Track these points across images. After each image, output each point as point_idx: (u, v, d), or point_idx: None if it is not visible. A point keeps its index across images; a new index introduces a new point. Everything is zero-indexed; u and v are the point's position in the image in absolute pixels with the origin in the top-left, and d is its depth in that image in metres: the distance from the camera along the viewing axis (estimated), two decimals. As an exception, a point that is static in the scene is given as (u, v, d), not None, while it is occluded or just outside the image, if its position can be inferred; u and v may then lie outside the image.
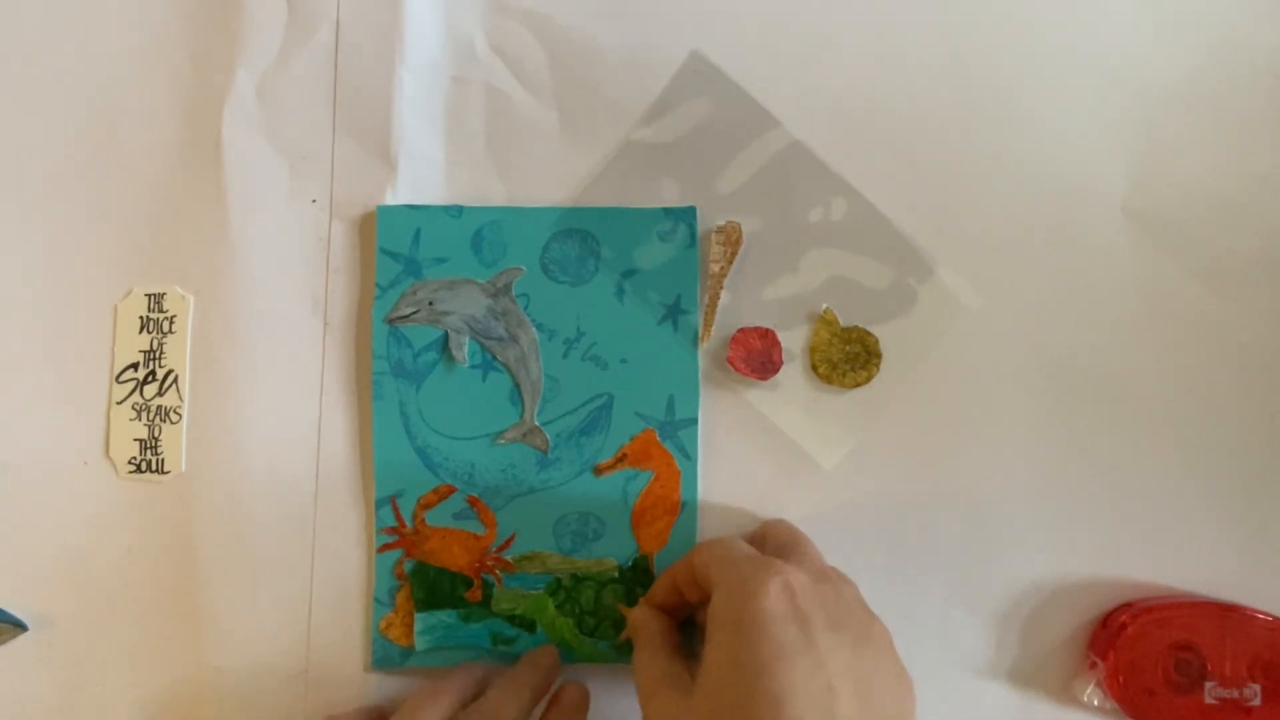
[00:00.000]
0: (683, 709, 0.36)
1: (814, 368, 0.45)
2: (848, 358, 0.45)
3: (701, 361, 0.45)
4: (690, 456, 0.45)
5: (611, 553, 0.45)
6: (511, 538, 0.45)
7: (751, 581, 0.36)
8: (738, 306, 0.46)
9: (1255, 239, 0.45)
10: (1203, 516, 0.45)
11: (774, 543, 0.42)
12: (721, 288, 0.45)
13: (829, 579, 0.38)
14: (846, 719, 0.33)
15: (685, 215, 0.45)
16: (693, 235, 0.45)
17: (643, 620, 0.42)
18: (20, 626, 0.45)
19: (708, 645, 0.36)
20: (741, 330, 0.45)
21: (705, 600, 0.39)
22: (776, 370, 0.45)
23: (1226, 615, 0.43)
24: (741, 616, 0.35)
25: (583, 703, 0.43)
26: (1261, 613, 0.43)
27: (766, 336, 0.45)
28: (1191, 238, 0.45)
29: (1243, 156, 0.45)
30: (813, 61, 0.46)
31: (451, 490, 0.45)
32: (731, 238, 0.45)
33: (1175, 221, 0.45)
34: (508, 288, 0.45)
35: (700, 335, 0.45)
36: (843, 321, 0.45)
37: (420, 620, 0.45)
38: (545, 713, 0.43)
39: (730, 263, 0.45)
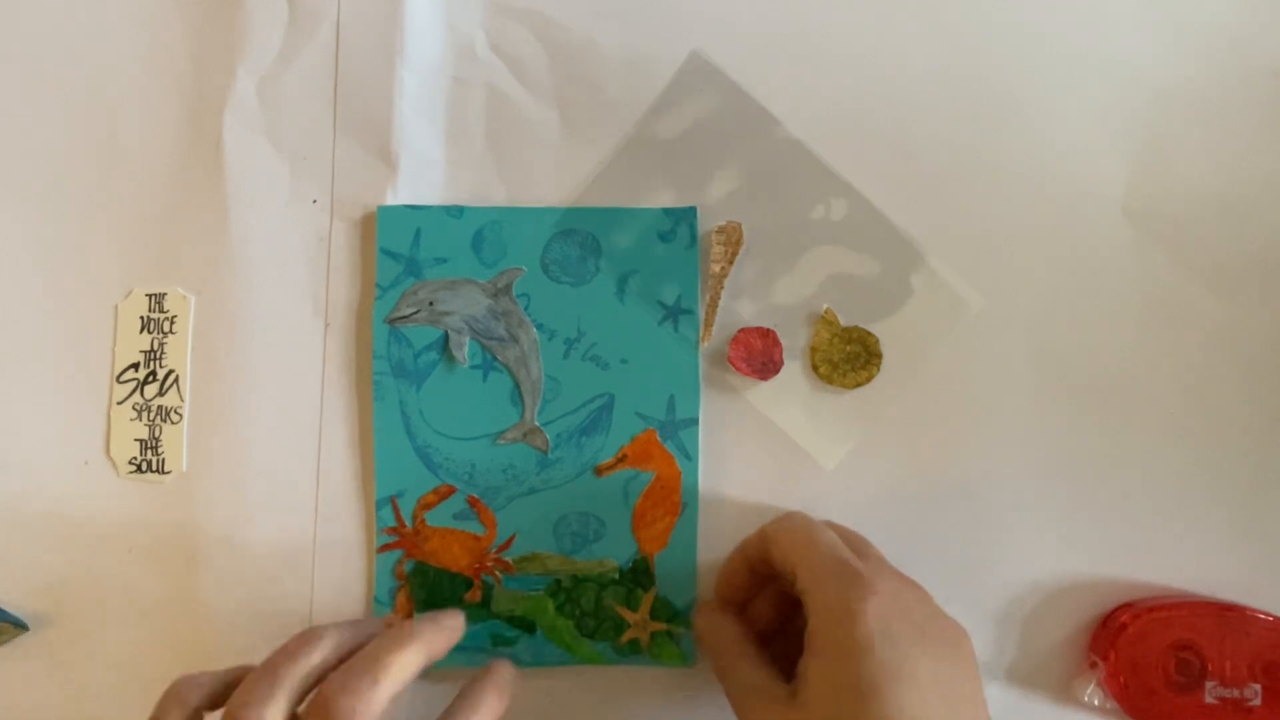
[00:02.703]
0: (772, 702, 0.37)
1: (814, 368, 0.45)
2: (848, 358, 0.45)
3: (701, 361, 0.45)
4: (691, 457, 0.45)
5: (612, 553, 0.45)
6: (512, 538, 0.45)
7: (848, 601, 0.36)
8: (738, 306, 0.46)
9: (1255, 239, 0.45)
10: (1203, 516, 0.45)
11: (842, 540, 0.41)
12: (722, 288, 0.45)
13: (911, 586, 0.39)
14: None
15: (685, 215, 0.46)
16: (693, 235, 0.45)
17: (713, 629, 0.42)
18: (20, 626, 0.45)
19: (809, 663, 0.37)
20: (742, 330, 0.45)
21: (776, 577, 0.40)
22: (777, 370, 0.45)
23: (1226, 615, 0.43)
24: (842, 642, 0.36)
25: (509, 682, 0.40)
26: (1261, 613, 0.43)
27: (767, 336, 0.45)
28: (1191, 238, 0.45)
29: (1243, 156, 0.45)
30: (813, 61, 0.46)
31: (452, 490, 0.45)
32: (732, 238, 0.45)
33: (1175, 221, 0.45)
34: (508, 288, 0.45)
35: (701, 335, 0.45)
36: (843, 321, 0.45)
37: (420, 620, 0.45)
38: (472, 683, 0.39)
39: (731, 263, 0.45)
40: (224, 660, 0.45)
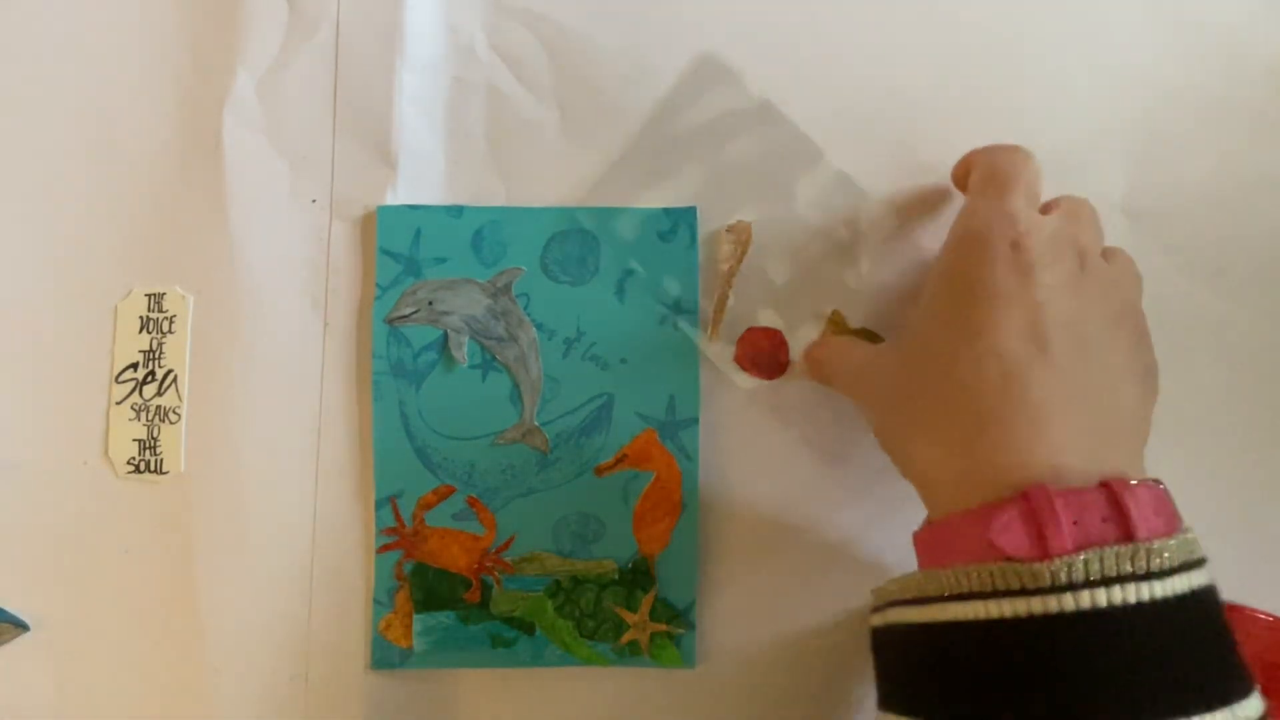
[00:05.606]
0: (874, 356, 0.39)
1: (816, 368, 0.45)
2: (850, 358, 0.45)
3: (702, 361, 0.45)
4: (691, 457, 0.45)
5: (611, 554, 0.45)
6: (511, 539, 0.45)
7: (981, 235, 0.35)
8: (744, 306, 0.45)
9: (1255, 239, 0.45)
10: (1203, 516, 0.44)
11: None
12: (730, 286, 0.45)
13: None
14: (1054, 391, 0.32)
15: (685, 215, 0.45)
16: (693, 235, 0.45)
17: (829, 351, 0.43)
18: (21, 626, 0.45)
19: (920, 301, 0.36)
20: (749, 330, 0.45)
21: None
22: (784, 370, 0.45)
23: (1226, 615, 0.43)
24: (957, 265, 0.35)
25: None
26: (1261, 613, 0.43)
27: (774, 337, 0.45)
28: (1191, 238, 0.45)
29: (1243, 156, 0.45)
30: (818, 62, 0.46)
31: (451, 491, 0.45)
32: (741, 237, 0.45)
33: (1175, 221, 0.45)
34: (508, 287, 0.45)
35: (709, 333, 0.45)
36: (850, 323, 0.45)
37: (419, 621, 0.44)
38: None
39: (739, 262, 0.45)
40: (222, 661, 0.45)
